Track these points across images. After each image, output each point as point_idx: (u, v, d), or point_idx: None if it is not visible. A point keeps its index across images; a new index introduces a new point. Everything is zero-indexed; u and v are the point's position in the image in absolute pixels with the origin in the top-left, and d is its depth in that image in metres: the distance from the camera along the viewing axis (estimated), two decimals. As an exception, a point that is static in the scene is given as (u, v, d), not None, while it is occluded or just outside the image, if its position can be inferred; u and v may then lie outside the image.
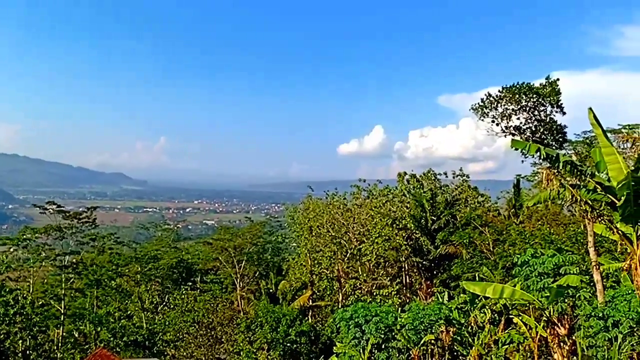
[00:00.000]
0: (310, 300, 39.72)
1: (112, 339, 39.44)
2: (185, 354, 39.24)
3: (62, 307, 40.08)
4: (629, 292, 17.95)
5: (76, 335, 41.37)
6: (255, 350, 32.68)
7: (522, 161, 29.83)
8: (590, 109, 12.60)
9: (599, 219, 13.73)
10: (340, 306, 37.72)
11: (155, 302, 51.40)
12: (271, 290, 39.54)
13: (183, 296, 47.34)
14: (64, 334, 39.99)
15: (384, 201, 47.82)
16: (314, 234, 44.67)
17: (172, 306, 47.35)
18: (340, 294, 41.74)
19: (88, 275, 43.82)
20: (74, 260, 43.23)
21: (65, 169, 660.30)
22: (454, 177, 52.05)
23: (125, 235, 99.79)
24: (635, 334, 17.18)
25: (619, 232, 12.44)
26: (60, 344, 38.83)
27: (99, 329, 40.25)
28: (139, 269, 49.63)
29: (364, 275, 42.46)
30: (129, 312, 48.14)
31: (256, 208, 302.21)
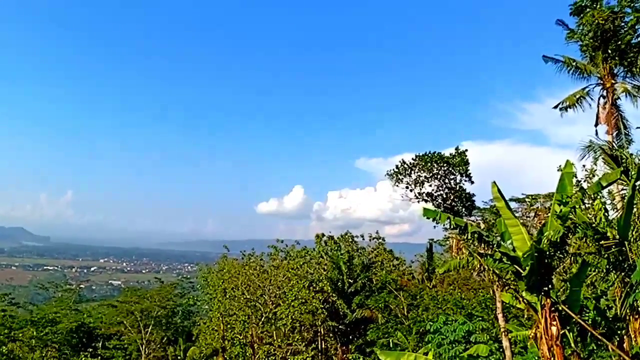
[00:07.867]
0: (221, 368, 37.76)
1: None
2: None
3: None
4: (536, 358, 18.46)
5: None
6: None
7: (434, 226, 30.88)
8: (494, 182, 13.20)
9: (506, 288, 14.12)
10: (252, 374, 36.07)
11: (50, 370, 46.77)
12: (179, 358, 37.30)
13: (81, 364, 43.50)
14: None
15: (301, 263, 47.24)
16: (228, 296, 42.92)
17: (68, 376, 43.33)
18: (253, 361, 40.04)
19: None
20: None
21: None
22: (370, 240, 52.82)
23: (21, 295, 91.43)
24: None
25: (525, 301, 12.79)
26: None
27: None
28: (35, 333, 45.32)
29: (279, 340, 41.11)
30: (20, 382, 43.39)
31: (167, 268, 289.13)
